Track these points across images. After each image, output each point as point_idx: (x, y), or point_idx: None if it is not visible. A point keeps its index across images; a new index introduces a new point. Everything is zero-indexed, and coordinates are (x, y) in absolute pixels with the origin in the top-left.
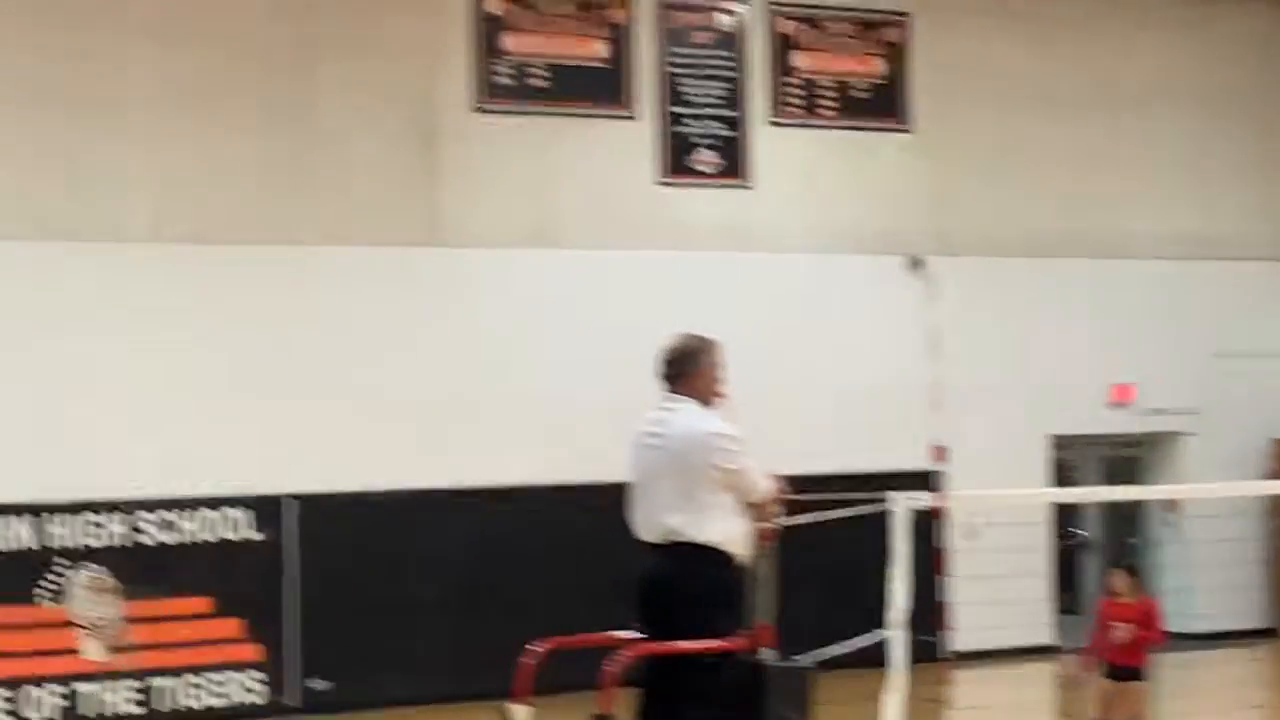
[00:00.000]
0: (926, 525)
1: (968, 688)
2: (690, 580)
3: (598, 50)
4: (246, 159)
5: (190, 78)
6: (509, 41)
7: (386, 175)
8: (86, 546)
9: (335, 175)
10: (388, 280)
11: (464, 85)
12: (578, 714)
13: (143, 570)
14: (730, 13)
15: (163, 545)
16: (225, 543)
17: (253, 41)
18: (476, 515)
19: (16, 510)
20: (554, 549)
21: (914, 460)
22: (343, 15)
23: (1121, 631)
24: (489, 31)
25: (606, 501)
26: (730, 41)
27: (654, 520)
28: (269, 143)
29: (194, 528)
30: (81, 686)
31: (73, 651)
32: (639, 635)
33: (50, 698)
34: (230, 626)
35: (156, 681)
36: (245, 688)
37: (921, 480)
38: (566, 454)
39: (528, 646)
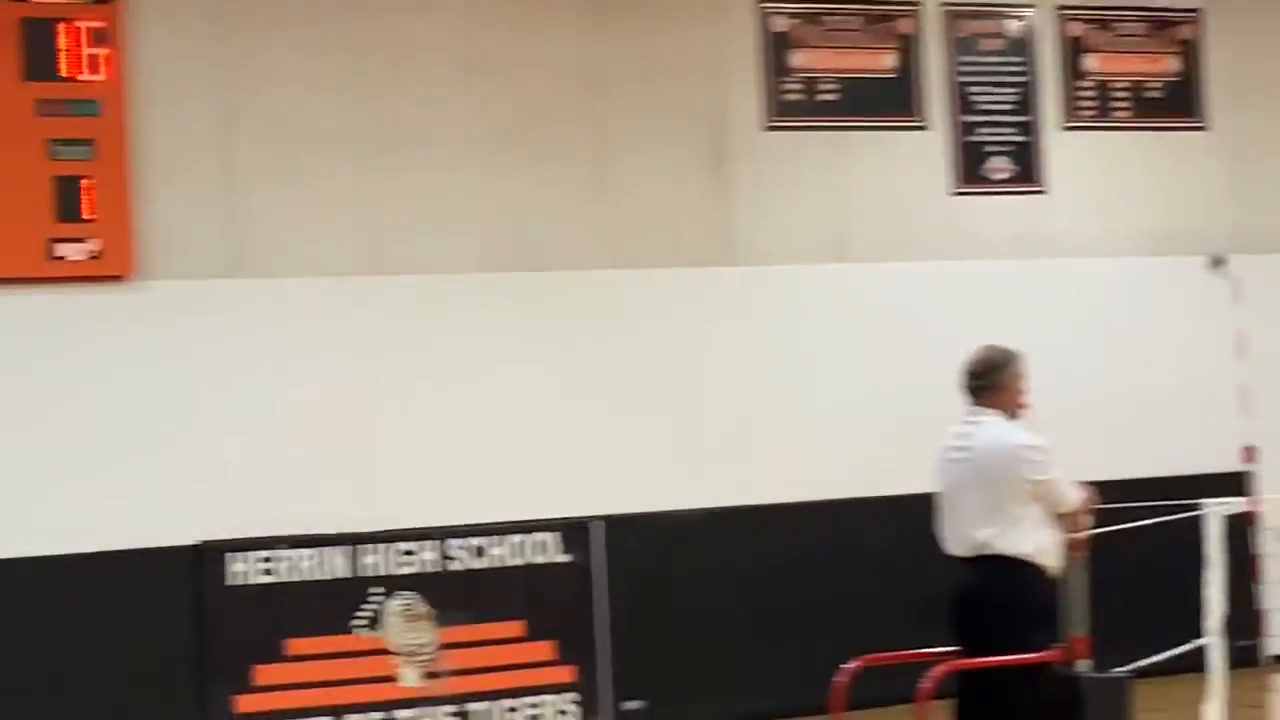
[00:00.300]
0: (1240, 529)
1: None
2: (1002, 594)
3: (886, 62)
4: (547, 186)
5: (492, 108)
6: (797, 58)
7: (678, 196)
8: (399, 574)
9: (629, 198)
10: (685, 301)
11: (754, 103)
12: None
13: (455, 596)
14: (1019, 18)
15: (473, 571)
16: (534, 566)
17: (549, 69)
18: (783, 532)
19: (332, 541)
20: (861, 564)
21: (1222, 463)
22: (633, 39)
23: None
24: (777, 48)
25: (912, 515)
26: (1020, 47)
27: (963, 534)
28: (567, 169)
29: (504, 552)
30: (400, 713)
31: (390, 679)
32: (952, 650)
33: None
34: (543, 650)
35: (473, 706)
36: (559, 710)
37: (1231, 482)
38: (869, 468)
39: (840, 664)
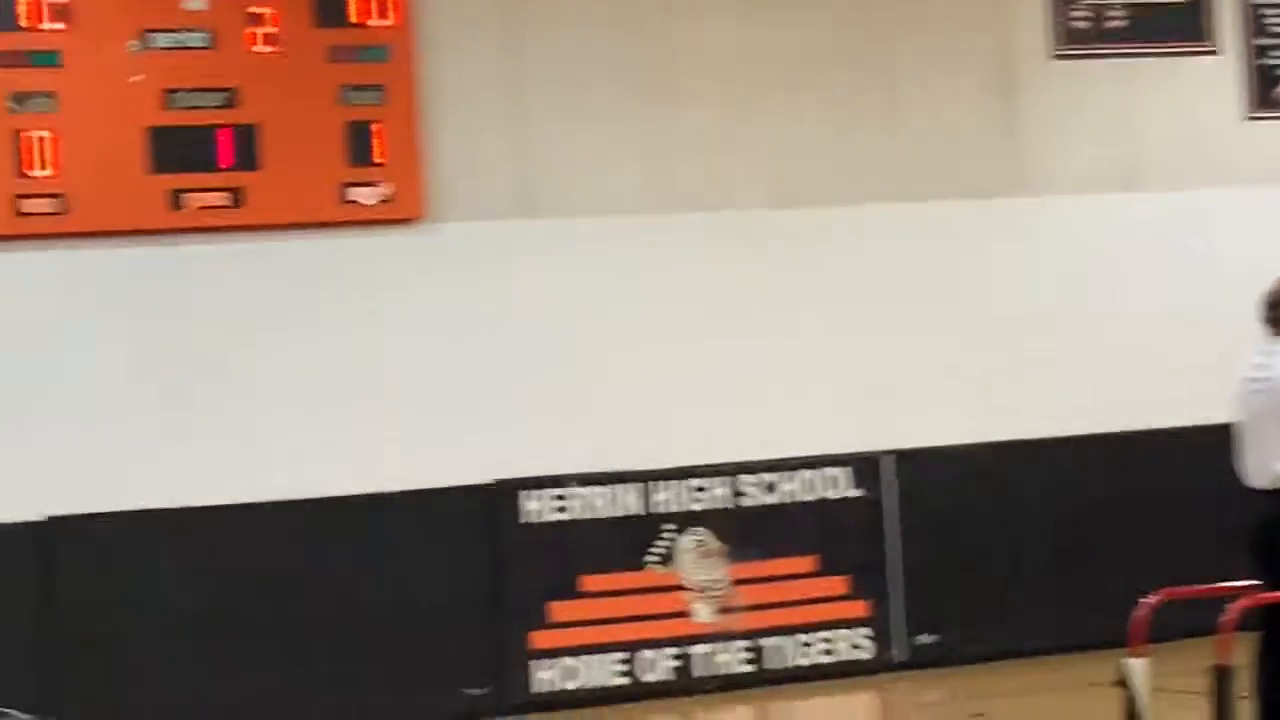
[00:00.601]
0: None
1: None
2: None
3: None
4: (832, 119)
5: (777, 41)
6: None
7: (965, 127)
8: (691, 511)
9: (916, 130)
10: (972, 233)
11: (1040, 32)
12: (1193, 664)
13: (746, 532)
14: None
15: (765, 507)
16: (825, 501)
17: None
18: (1075, 464)
19: (625, 478)
20: (1157, 496)
21: None
22: None
23: None
24: None
25: (1209, 446)
26: None
27: (1263, 465)
28: (853, 101)
29: (795, 488)
30: (694, 649)
31: (684, 615)
32: (1254, 584)
33: (665, 660)
34: (835, 584)
35: (766, 642)
36: (853, 645)
37: None
38: (1163, 399)
39: (1136, 599)
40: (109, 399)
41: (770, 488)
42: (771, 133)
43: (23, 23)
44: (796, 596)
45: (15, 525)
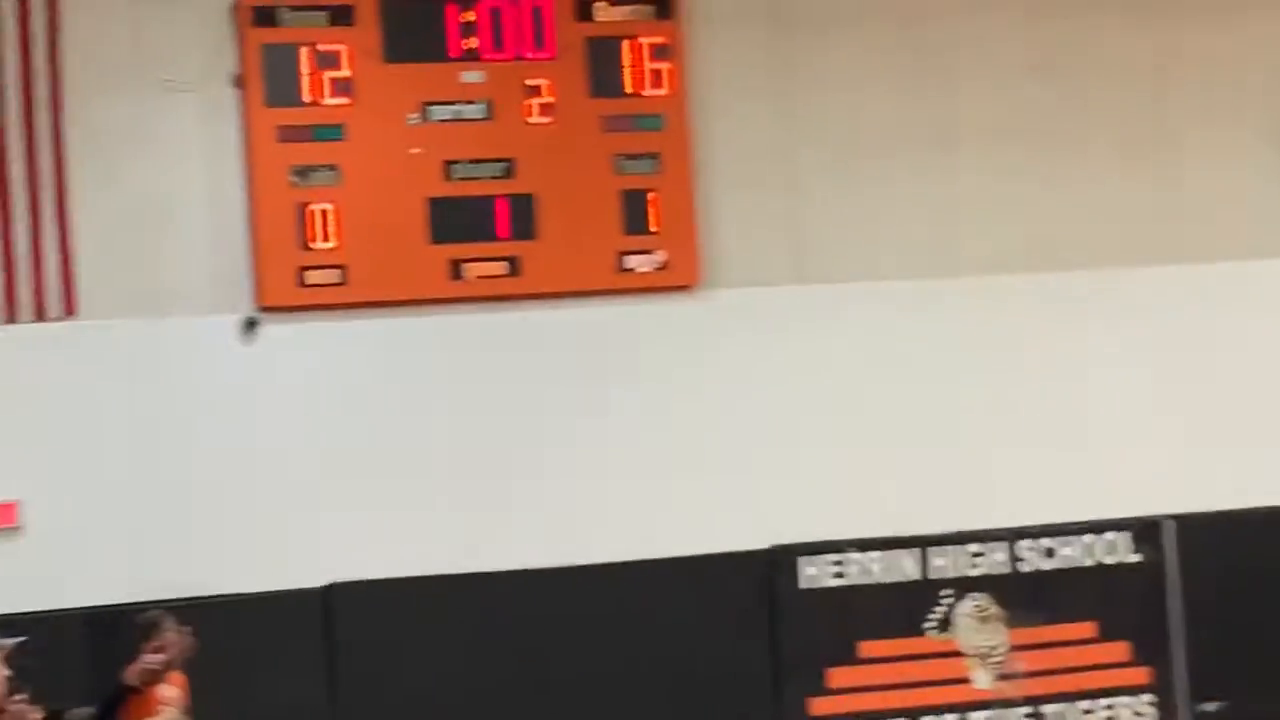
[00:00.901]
0: None
1: None
2: None
3: None
4: (1102, 181)
5: (1050, 104)
6: None
7: (1243, 184)
8: (969, 576)
9: (1188, 190)
10: (1262, 293)
11: None
12: None
13: (1024, 597)
14: None
15: (1043, 572)
16: (1104, 566)
17: (1106, 63)
18: None
19: (901, 544)
20: None
21: None
22: (1188, 30)
23: None
24: None
25: None
26: None
27: None
28: (1125, 164)
29: (1074, 553)
30: (974, 715)
31: (963, 681)
32: None
33: None
34: (1116, 650)
35: (1048, 708)
36: (1135, 712)
37: None
38: None
39: None
40: (413, 463)
41: (1049, 552)
42: (1041, 196)
43: (306, 98)
44: (1077, 662)
45: (300, 591)
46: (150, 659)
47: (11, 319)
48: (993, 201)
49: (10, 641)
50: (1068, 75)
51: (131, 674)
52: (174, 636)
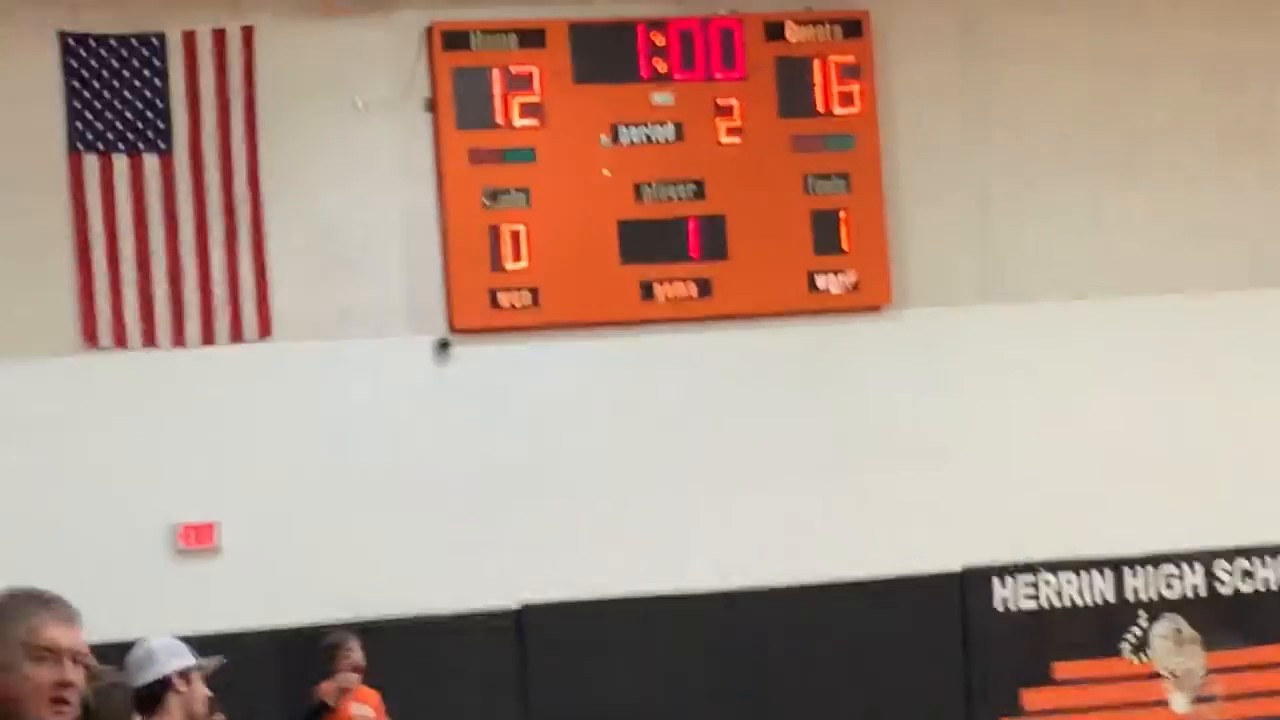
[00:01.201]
0: None
1: None
2: None
3: None
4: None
5: (1234, 118)
6: None
7: None
8: (1164, 598)
9: None
10: None
11: None
12: None
13: (1222, 619)
14: None
15: (1241, 594)
16: None
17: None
18: None
19: (1095, 565)
20: None
21: None
22: None
23: None
24: None
25: None
26: None
27: None
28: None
29: (1271, 575)
30: None
31: (1160, 704)
32: None
33: None
34: None
35: None
36: None
37: None
38: None
39: None
40: (602, 484)
41: (1246, 574)
42: (1230, 211)
43: (498, 120)
44: (1275, 687)
45: (494, 612)
46: (344, 677)
47: (209, 341)
48: (1177, 218)
49: (212, 662)
50: (1249, 86)
51: (326, 691)
52: (359, 656)
